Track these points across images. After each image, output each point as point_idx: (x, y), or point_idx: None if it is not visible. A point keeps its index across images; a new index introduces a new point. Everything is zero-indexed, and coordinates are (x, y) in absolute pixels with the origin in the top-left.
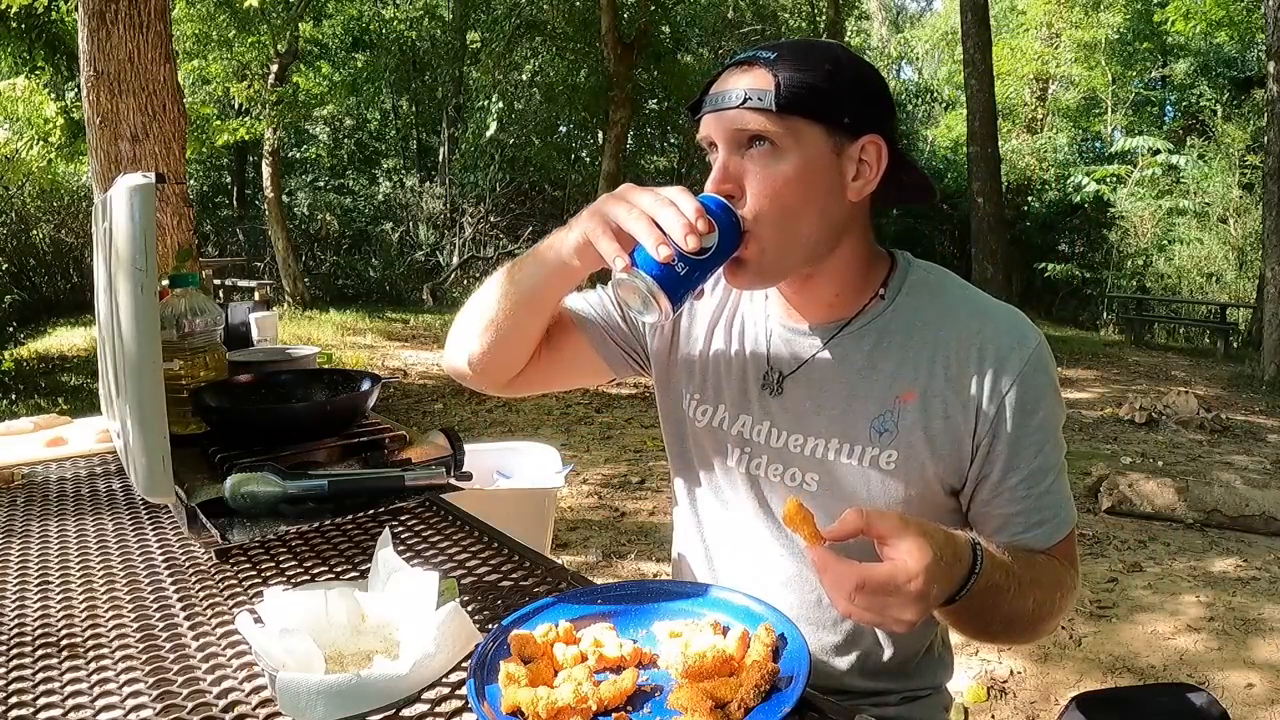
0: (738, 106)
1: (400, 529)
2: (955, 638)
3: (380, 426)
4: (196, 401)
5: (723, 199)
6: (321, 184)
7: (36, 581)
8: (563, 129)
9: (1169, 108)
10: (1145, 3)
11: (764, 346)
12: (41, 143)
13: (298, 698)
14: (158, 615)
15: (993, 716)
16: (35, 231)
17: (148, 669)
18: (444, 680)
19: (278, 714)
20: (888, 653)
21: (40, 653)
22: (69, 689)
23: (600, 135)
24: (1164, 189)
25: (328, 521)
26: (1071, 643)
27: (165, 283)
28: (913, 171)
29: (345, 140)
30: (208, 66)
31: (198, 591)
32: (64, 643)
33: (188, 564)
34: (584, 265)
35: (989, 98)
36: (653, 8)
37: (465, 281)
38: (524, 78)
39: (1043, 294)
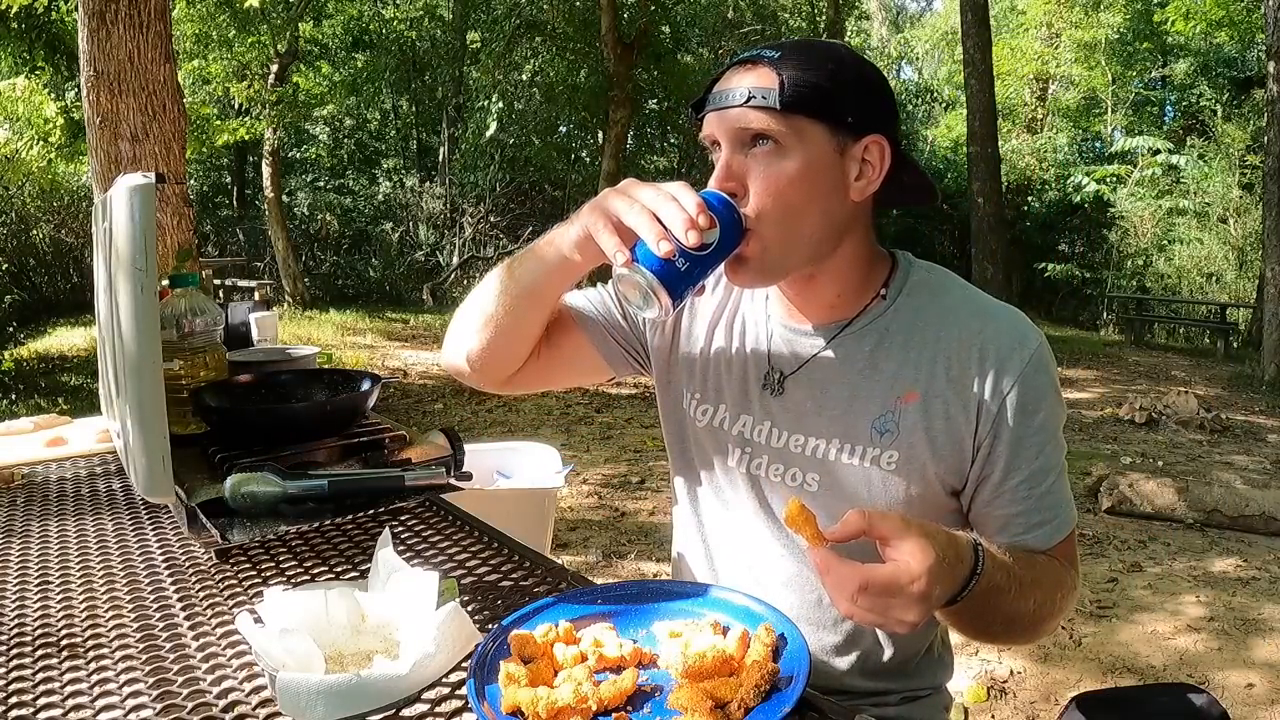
0: (742, 105)
1: (400, 529)
2: (955, 638)
3: (380, 426)
4: (196, 401)
5: (725, 195)
6: (321, 184)
7: (36, 581)
8: (563, 129)
9: (1169, 108)
10: (1145, 3)
11: (765, 346)
12: (41, 143)
13: (298, 698)
14: (158, 615)
15: (993, 716)
16: (35, 231)
17: (148, 669)
18: (444, 680)
19: (278, 714)
20: (888, 653)
21: (40, 653)
22: (69, 689)
23: (600, 135)
24: (1164, 189)
25: (328, 521)
26: (1071, 643)
27: (165, 283)
28: (914, 172)
29: (345, 140)
30: (208, 66)
31: (198, 591)
32: (64, 643)
33: (188, 564)
34: (585, 260)
35: (989, 98)
36: (653, 8)
37: (465, 281)
38: (524, 78)
39: (1043, 294)
